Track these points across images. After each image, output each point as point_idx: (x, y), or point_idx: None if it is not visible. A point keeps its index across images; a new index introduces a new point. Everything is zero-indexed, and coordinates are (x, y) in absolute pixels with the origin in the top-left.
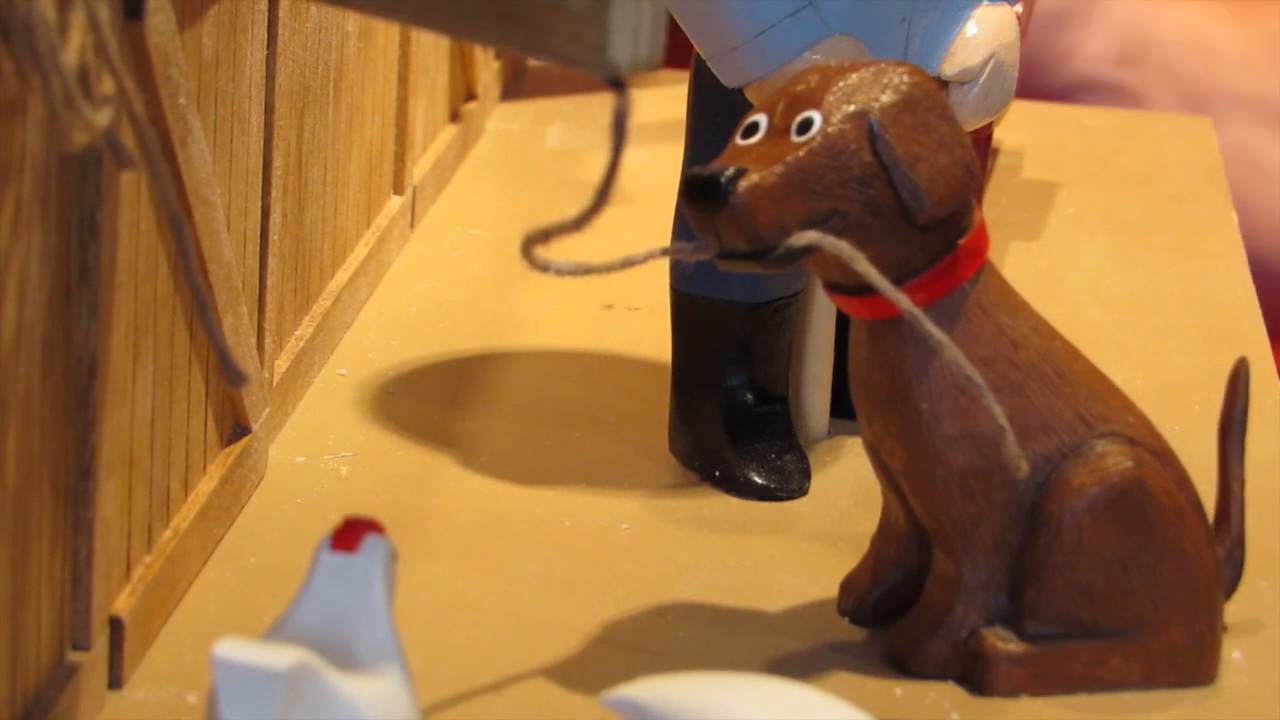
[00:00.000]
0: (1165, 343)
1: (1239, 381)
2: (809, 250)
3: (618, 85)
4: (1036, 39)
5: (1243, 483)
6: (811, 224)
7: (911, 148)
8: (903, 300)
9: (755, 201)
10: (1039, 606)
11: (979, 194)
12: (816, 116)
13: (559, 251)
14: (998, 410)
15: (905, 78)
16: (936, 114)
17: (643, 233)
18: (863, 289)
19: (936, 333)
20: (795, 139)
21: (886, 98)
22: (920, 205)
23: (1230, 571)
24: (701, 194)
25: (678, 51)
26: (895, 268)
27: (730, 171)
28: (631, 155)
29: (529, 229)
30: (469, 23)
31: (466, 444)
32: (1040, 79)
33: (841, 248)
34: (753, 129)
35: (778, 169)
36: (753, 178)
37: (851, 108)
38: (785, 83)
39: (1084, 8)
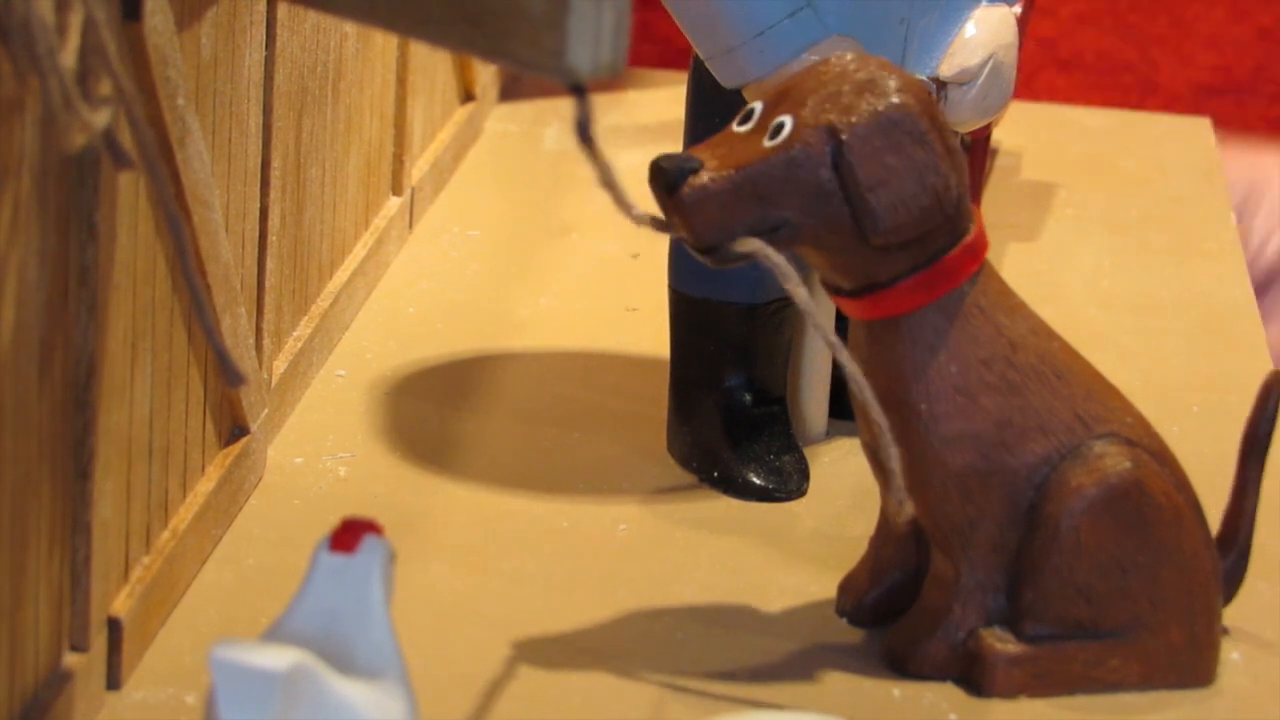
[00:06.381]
0: (1163, 344)
1: (1269, 397)
2: (748, 258)
3: (578, 91)
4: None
5: (1256, 500)
6: (757, 231)
7: (876, 171)
8: (823, 328)
9: (698, 203)
10: (1037, 607)
11: (977, 195)
12: (788, 124)
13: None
14: (893, 452)
15: (894, 97)
16: (913, 138)
17: (641, 232)
18: (860, 290)
19: (850, 364)
20: (766, 143)
21: (863, 116)
22: (876, 229)
23: (1229, 587)
24: (659, 181)
25: (677, 52)
26: (861, 278)
27: (691, 165)
28: (630, 156)
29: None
30: (435, 28)
31: (465, 445)
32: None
33: (777, 263)
34: (748, 118)
35: (730, 173)
36: (703, 178)
37: (822, 123)
38: (788, 77)
39: None
